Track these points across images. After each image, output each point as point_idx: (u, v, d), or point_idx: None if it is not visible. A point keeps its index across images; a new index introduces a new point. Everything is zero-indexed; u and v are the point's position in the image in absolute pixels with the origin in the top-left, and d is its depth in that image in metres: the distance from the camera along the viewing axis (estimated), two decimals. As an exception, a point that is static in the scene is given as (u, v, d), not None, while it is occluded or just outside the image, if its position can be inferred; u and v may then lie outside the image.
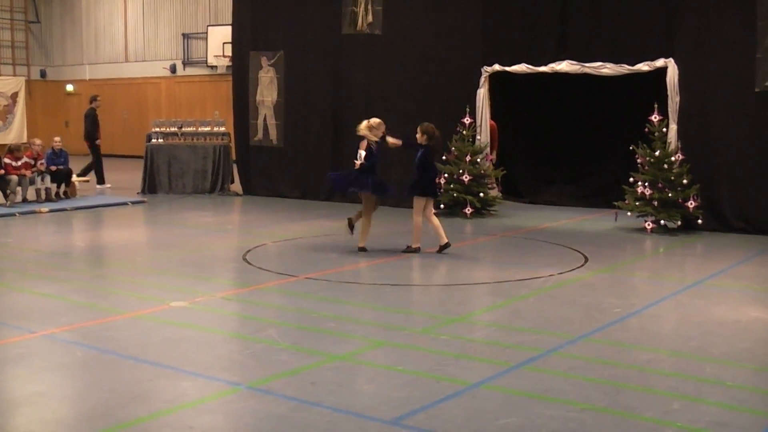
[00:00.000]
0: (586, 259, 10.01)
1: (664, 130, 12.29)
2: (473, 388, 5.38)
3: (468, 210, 13.58)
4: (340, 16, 15.62)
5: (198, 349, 6.28)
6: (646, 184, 12.06)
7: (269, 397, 5.18)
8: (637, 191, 12.18)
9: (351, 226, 10.53)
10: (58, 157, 15.43)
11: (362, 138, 10.18)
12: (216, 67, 27.12)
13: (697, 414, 4.99)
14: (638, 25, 13.10)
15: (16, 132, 29.78)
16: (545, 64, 13.86)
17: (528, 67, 14.04)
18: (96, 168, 18.39)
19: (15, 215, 13.60)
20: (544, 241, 11.47)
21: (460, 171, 13.62)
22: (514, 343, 6.43)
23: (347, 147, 13.66)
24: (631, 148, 12.38)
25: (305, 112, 16.29)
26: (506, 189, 15.69)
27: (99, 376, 5.61)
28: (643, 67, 12.99)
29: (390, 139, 10.18)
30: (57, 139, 15.86)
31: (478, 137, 14.33)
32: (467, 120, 13.95)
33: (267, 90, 16.73)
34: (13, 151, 14.71)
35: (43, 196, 14.90)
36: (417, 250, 10.27)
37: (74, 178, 16.14)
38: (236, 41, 17.58)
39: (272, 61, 16.60)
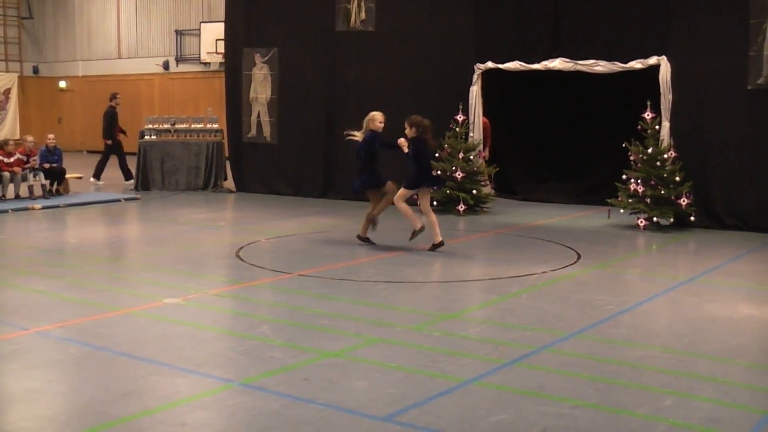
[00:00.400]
0: (579, 256, 10.03)
1: (657, 127, 12.33)
2: (466, 385, 5.39)
3: (461, 207, 13.60)
4: (334, 12, 15.62)
5: (191, 345, 6.28)
6: (639, 181, 12.09)
7: (262, 394, 5.18)
8: (629, 188, 12.21)
9: (374, 223, 10.59)
10: (51, 154, 15.44)
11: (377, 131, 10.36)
12: (209, 63, 27.09)
13: (689, 410, 5.00)
14: (631, 22, 13.12)
15: (8, 128, 29.72)
16: (538, 62, 13.87)
17: (521, 65, 14.05)
18: (99, 163, 18.44)
19: (8, 212, 13.58)
20: (537, 238, 11.49)
21: (453, 168, 13.64)
22: (507, 340, 6.44)
23: (341, 143, 13.64)
24: (624, 145, 12.39)
25: (299, 109, 16.27)
26: (499, 186, 15.72)
27: (92, 372, 5.61)
28: (636, 64, 13.01)
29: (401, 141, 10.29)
30: (51, 136, 15.87)
31: (471, 134, 14.34)
32: (460, 117, 13.96)
33: (260, 87, 16.71)
34: (2, 146, 14.67)
35: (36, 192, 14.87)
36: (422, 229, 10.23)
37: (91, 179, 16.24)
38: (229, 38, 17.55)
39: (266, 58, 16.57)
